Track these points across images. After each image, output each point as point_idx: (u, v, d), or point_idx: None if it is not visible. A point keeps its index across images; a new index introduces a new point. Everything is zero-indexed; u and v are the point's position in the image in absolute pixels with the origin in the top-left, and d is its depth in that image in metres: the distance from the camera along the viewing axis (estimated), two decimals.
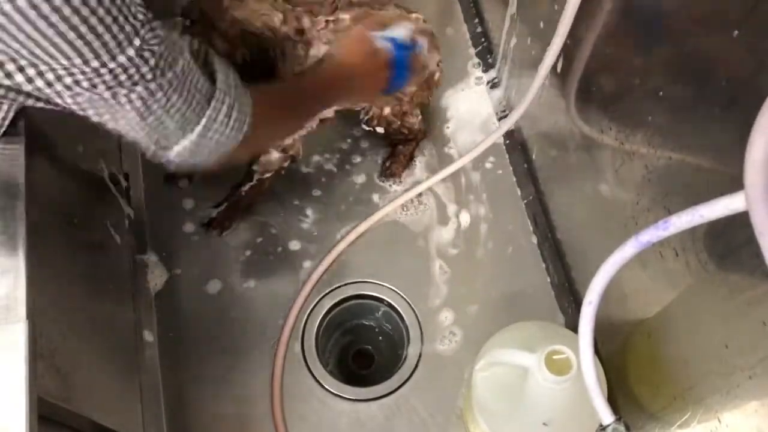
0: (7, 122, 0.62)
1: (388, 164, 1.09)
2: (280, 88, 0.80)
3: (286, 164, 1.03)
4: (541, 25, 0.91)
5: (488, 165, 1.11)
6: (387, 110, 1.03)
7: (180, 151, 0.61)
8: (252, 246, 1.05)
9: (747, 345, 0.55)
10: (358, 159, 1.12)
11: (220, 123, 0.61)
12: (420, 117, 1.08)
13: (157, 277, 1.01)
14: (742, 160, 0.40)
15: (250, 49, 0.86)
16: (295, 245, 1.05)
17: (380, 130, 1.05)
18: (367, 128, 1.06)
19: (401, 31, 0.87)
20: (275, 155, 1.02)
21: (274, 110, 0.71)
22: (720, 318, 0.60)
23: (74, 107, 0.54)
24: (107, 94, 0.52)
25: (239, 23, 0.85)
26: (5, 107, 0.60)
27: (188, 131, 0.60)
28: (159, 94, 0.55)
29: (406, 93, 1.02)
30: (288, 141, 1.00)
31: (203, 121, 0.60)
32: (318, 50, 0.90)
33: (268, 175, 1.03)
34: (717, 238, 0.58)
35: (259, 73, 0.85)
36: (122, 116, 0.55)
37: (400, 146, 1.09)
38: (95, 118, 0.56)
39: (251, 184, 1.04)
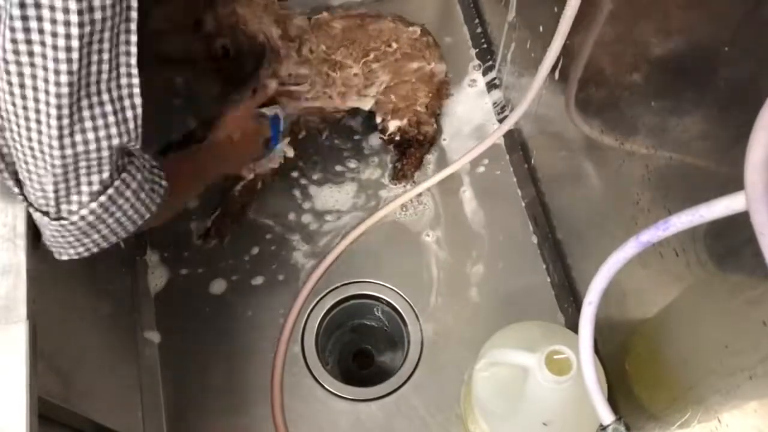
0: None
1: (399, 166, 1.09)
2: (182, 160, 0.79)
3: (277, 165, 1.03)
4: (541, 26, 0.92)
5: (488, 165, 1.11)
6: (404, 122, 1.04)
7: (85, 214, 0.56)
8: (253, 246, 1.04)
9: (747, 345, 0.55)
10: (362, 160, 1.12)
11: (133, 191, 0.58)
12: (435, 125, 1.08)
13: (157, 278, 1.01)
14: (742, 160, 0.40)
15: (234, 46, 0.86)
16: (295, 245, 1.05)
17: (397, 138, 1.06)
18: (384, 138, 1.06)
19: (277, 111, 0.94)
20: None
21: (178, 183, 0.67)
22: (720, 318, 0.60)
23: None
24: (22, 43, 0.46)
25: (238, 17, 0.85)
26: None
27: (90, 197, 0.55)
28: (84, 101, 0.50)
29: (421, 104, 1.04)
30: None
31: (117, 183, 0.56)
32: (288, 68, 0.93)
33: (259, 170, 1.03)
34: (717, 238, 0.58)
35: (229, 72, 0.87)
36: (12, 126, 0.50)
37: (411, 148, 1.09)
38: None
39: (244, 183, 1.04)
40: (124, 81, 0.53)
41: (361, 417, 0.94)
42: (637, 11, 0.68)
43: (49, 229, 0.57)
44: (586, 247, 0.94)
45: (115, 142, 0.54)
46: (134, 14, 0.51)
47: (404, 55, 1.03)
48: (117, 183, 0.56)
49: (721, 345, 0.58)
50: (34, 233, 0.59)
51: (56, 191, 0.54)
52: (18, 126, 0.51)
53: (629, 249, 0.54)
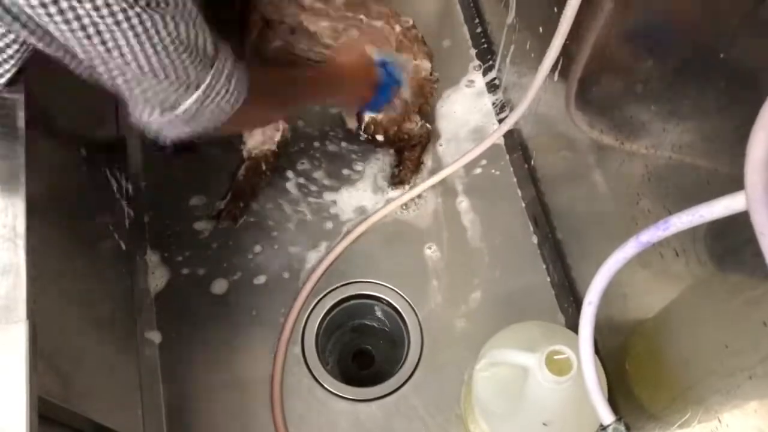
0: (10, 73, 0.62)
1: (396, 172, 1.09)
2: (278, 74, 0.86)
3: (275, 143, 1.06)
4: (541, 26, 0.92)
5: (488, 165, 1.11)
6: (380, 116, 1.03)
7: (184, 111, 0.63)
8: (252, 246, 1.05)
9: (747, 345, 0.55)
10: (362, 160, 1.12)
11: (220, 88, 0.65)
12: (420, 122, 1.08)
13: (157, 278, 1.01)
14: (742, 160, 0.40)
15: None
16: (295, 245, 1.05)
17: (380, 138, 1.05)
18: (365, 135, 1.05)
19: (396, 59, 0.95)
20: (258, 137, 1.06)
21: (267, 92, 0.75)
22: (720, 318, 0.60)
23: (69, 37, 0.53)
24: (120, 15, 0.53)
25: None
26: (10, 51, 0.60)
27: (192, 89, 0.62)
28: (166, 37, 0.56)
29: (396, 105, 1.03)
30: (273, 125, 1.06)
31: (207, 79, 0.63)
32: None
33: (256, 152, 1.06)
34: (717, 238, 0.58)
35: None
36: (128, 57, 0.56)
37: (407, 152, 1.09)
38: (97, 62, 0.57)
39: (246, 165, 1.06)
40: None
41: (361, 417, 0.94)
42: (636, 11, 0.68)
43: (158, 123, 0.65)
44: (586, 247, 0.94)
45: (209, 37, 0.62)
46: None
47: (399, 43, 1.03)
48: (212, 71, 0.63)
49: (721, 345, 0.58)
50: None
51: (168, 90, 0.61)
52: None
53: (629, 249, 0.54)
